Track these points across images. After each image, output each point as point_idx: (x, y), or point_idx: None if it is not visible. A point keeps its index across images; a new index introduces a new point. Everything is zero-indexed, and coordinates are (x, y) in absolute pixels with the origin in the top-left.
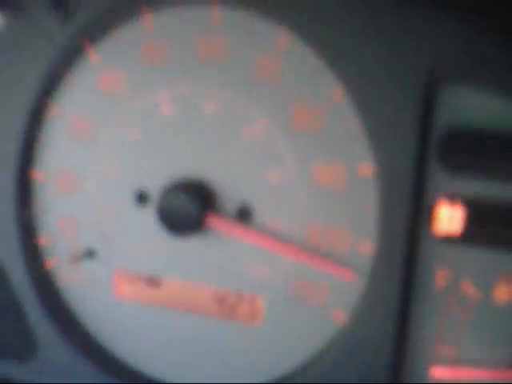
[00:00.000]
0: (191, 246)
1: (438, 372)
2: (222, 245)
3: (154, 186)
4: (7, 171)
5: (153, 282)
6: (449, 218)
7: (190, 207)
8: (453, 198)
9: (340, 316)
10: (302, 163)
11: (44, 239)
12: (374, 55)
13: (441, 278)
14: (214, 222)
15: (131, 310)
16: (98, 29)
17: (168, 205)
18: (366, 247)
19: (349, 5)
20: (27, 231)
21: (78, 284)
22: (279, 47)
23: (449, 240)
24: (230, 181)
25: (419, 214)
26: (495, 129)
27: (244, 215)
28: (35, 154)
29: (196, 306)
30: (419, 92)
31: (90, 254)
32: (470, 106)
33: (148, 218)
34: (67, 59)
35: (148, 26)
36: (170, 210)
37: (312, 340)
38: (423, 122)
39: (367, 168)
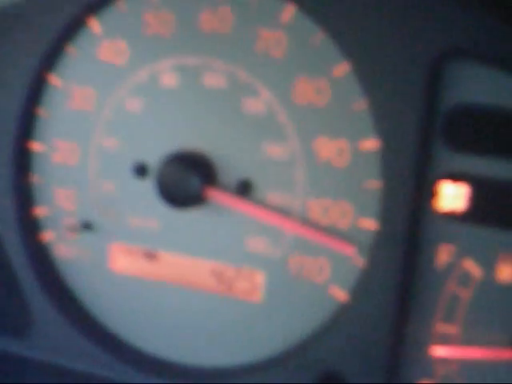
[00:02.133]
0: (190, 220)
1: (438, 351)
2: (222, 219)
3: (154, 158)
4: (6, 141)
5: (150, 255)
6: (453, 195)
7: (189, 180)
8: (457, 175)
9: (340, 293)
10: (304, 138)
11: (41, 211)
12: (380, 30)
13: (443, 255)
14: (213, 195)
15: (128, 284)
16: None
17: (167, 177)
18: (368, 224)
19: None
20: (24, 203)
21: (75, 257)
22: (283, 20)
23: (452, 217)
24: (231, 154)
25: (422, 190)
26: (502, 107)
27: (244, 189)
28: (35, 125)
29: (194, 280)
30: (425, 68)
31: (87, 226)
32: (476, 83)
33: (147, 190)
34: (69, 29)
35: None
36: (170, 183)
37: (311, 317)
38: (429, 99)
39: (370, 144)
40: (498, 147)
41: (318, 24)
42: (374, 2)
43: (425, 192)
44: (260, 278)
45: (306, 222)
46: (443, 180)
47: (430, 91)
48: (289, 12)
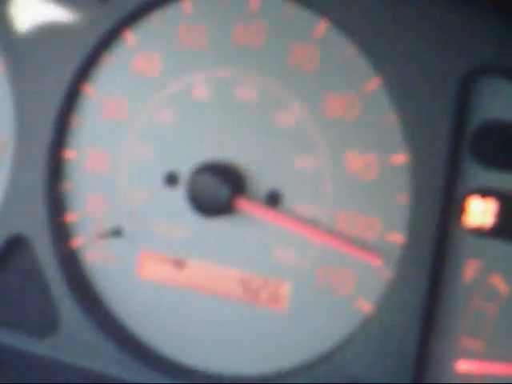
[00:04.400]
0: (219, 229)
1: (463, 366)
2: (250, 229)
3: (185, 168)
4: (41, 149)
5: (178, 263)
6: (481, 211)
7: (219, 189)
8: (485, 191)
9: (366, 305)
10: (333, 151)
11: (72, 217)
12: (412, 47)
13: (470, 270)
14: (242, 204)
15: (155, 291)
16: (136, 11)
17: (198, 186)
18: (396, 237)
19: None
20: (56, 208)
21: (104, 263)
22: (317, 35)
23: (480, 233)
24: (261, 166)
25: (451, 205)
26: None
27: (273, 200)
28: (69, 133)
29: (220, 289)
30: (455, 84)
31: (117, 233)
32: (506, 100)
33: (177, 199)
34: (105, 41)
35: (186, 9)
36: (200, 192)
37: (337, 328)
38: (458, 115)
39: (400, 158)
40: None
41: (350, 39)
42: (407, 18)
43: (453, 207)
44: (286, 288)
45: (334, 233)
46: (471, 195)
47: (460, 107)
48: (322, 27)
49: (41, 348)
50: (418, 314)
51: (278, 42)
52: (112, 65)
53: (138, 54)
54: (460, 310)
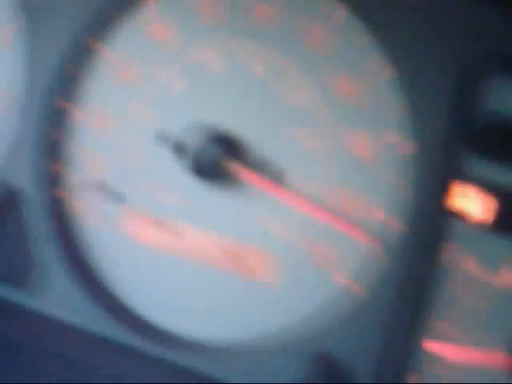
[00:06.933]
0: (209, 196)
1: (435, 348)
2: (244, 199)
3: (188, 133)
4: (46, 101)
5: (166, 227)
6: (478, 204)
7: (218, 154)
8: (485, 185)
9: (355, 286)
10: (338, 132)
11: (63, 168)
12: (423, 38)
13: (456, 257)
14: (240, 172)
15: (141, 253)
16: None
17: (198, 151)
18: (393, 222)
19: None
20: (48, 158)
21: (90, 219)
22: (334, 20)
23: (476, 226)
24: (264, 139)
25: (448, 195)
26: None
27: (274, 173)
28: (75, 89)
29: (206, 255)
30: (462, 77)
31: (107, 190)
32: (509, 94)
33: (174, 164)
34: (125, 2)
35: None
36: (198, 154)
37: (321, 306)
38: (462, 107)
39: (403, 144)
40: None
41: (365, 27)
42: (420, 13)
43: (449, 196)
44: (274, 259)
45: (332, 211)
46: (470, 189)
47: (464, 100)
48: (340, 12)
49: (24, 300)
50: (407, 298)
51: (296, 23)
52: (129, 28)
53: (157, 20)
54: (443, 296)
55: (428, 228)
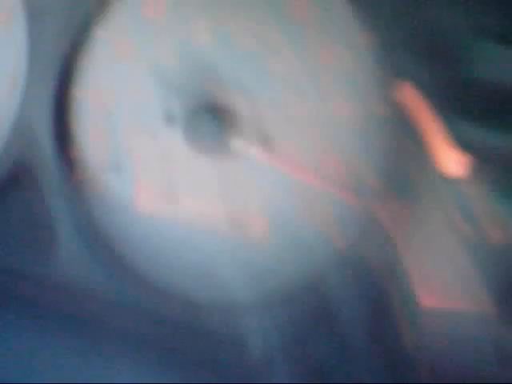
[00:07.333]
0: (208, 166)
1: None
2: (238, 167)
3: (182, 107)
4: (49, 85)
5: (170, 197)
6: (455, 161)
7: (212, 126)
8: (462, 142)
9: (342, 243)
10: (323, 99)
11: (75, 151)
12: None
13: (441, 215)
14: (233, 143)
15: (150, 223)
16: None
17: (192, 123)
18: (374, 182)
19: None
20: (61, 143)
21: (102, 195)
22: None
23: (453, 181)
24: (253, 108)
25: (427, 152)
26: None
27: (263, 141)
28: (76, 73)
29: (208, 222)
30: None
31: (116, 168)
32: (496, 60)
33: (174, 138)
34: None
35: None
36: (196, 128)
37: (312, 264)
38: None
39: (385, 109)
40: (505, 121)
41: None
42: None
43: (429, 155)
44: (267, 223)
45: (319, 174)
46: (448, 146)
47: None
48: None
49: (38, 267)
50: (391, 251)
51: None
52: (121, 9)
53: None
54: (426, 251)
55: (407, 185)
